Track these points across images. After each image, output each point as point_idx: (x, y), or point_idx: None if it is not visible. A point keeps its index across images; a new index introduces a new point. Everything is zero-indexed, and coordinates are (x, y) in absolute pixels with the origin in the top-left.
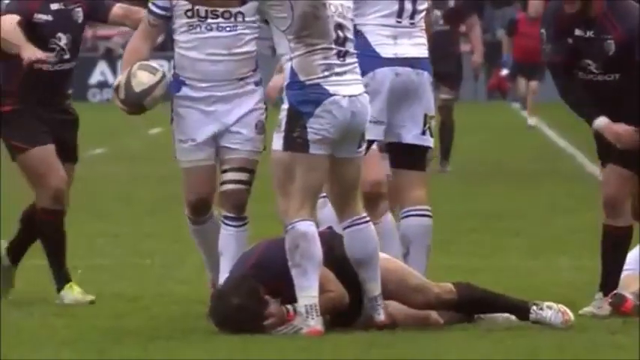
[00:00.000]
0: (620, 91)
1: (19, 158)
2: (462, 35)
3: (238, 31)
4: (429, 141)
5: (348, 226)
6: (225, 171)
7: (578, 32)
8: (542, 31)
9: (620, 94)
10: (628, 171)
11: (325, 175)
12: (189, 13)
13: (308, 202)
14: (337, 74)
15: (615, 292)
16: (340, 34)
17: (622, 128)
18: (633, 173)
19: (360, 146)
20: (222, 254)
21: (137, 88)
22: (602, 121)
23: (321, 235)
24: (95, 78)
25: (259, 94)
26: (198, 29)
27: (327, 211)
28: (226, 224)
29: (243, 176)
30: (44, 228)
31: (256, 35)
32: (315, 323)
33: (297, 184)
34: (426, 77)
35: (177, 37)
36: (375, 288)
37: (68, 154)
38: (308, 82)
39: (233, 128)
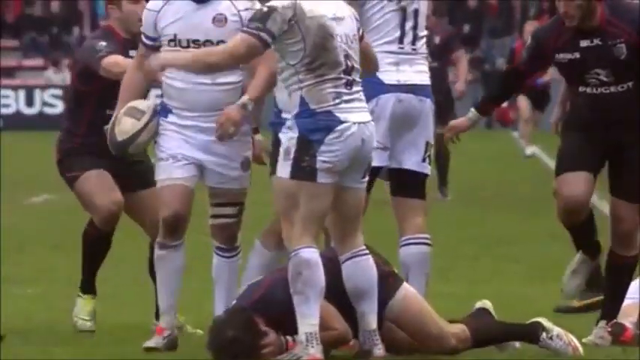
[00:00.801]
0: (630, 103)
1: (74, 186)
2: (451, 65)
3: None
4: (428, 169)
5: (348, 259)
6: (213, 205)
7: (584, 43)
8: (528, 39)
9: (630, 108)
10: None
11: (329, 203)
12: (171, 44)
13: (311, 229)
14: (346, 102)
15: (615, 321)
16: (349, 63)
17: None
18: None
19: (364, 176)
20: (215, 282)
21: (119, 137)
22: (470, 112)
23: (327, 259)
24: None
25: (245, 127)
26: None
27: None
28: (219, 255)
29: (232, 210)
30: (87, 238)
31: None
32: (315, 351)
33: (301, 212)
34: (428, 105)
35: None
36: (372, 321)
37: (139, 180)
38: (319, 110)
39: (218, 169)
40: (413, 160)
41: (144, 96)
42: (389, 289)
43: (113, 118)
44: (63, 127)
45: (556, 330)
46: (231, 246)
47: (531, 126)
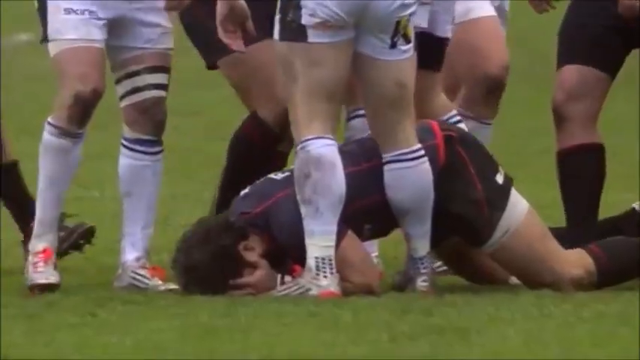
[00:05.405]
0: None
1: None
2: None
3: None
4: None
5: (389, 162)
6: (136, 73)
7: None
8: None
9: None
10: None
11: (338, 73)
12: None
13: (321, 111)
14: None
15: None
16: None
17: None
18: None
19: (393, 45)
20: (129, 195)
21: None
22: None
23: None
24: None
25: None
26: None
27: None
28: (138, 151)
29: (162, 78)
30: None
31: None
32: (329, 283)
33: (301, 86)
34: None
35: None
36: (421, 247)
37: None
38: None
39: (146, 18)
40: (447, 27)
41: None
42: (483, 225)
43: None
44: None
45: None
46: (159, 136)
47: None
